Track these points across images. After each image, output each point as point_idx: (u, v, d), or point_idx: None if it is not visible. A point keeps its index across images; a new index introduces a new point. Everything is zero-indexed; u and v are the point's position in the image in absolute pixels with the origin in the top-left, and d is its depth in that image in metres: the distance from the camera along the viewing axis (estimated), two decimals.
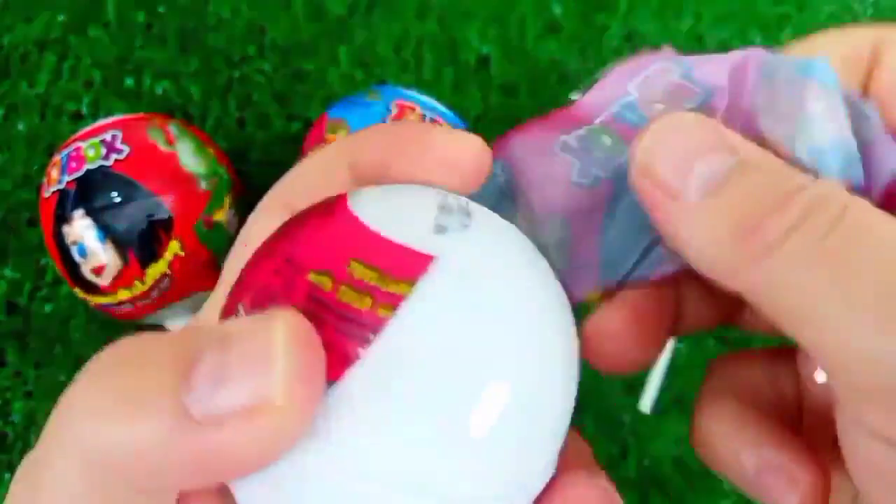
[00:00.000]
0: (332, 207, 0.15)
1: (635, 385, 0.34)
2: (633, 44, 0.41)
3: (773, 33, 0.41)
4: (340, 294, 0.13)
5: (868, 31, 0.15)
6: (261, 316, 0.12)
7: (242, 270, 0.15)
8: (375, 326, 0.13)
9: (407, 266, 0.13)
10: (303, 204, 0.17)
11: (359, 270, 0.13)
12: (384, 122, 0.31)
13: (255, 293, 0.14)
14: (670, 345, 0.33)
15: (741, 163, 0.14)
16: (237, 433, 0.11)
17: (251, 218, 0.18)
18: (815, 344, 0.13)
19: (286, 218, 0.17)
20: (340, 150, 0.18)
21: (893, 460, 0.12)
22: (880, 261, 0.12)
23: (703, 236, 0.14)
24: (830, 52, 0.15)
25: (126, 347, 0.13)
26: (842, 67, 0.15)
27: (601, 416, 0.34)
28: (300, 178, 0.18)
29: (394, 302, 0.13)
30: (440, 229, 0.14)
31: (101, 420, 0.12)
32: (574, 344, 0.15)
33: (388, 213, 0.14)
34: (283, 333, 0.12)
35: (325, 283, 0.13)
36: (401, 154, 0.16)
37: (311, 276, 0.13)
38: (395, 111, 0.31)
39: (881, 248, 0.12)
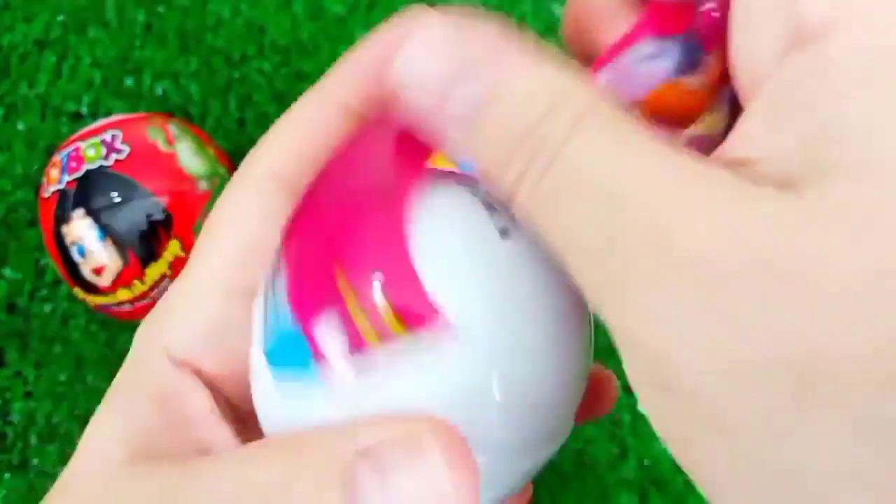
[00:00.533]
0: (394, 207, 0.14)
1: None
2: None
3: None
4: (356, 317, 0.13)
5: None
6: (408, 436, 0.12)
7: (289, 249, 0.15)
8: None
9: (415, 316, 0.13)
10: (296, 177, 0.16)
11: (380, 300, 0.13)
12: None
13: (301, 287, 0.14)
14: None
15: (494, 89, 0.12)
16: None
17: (228, 191, 0.17)
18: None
19: (277, 193, 0.16)
20: (324, 97, 0.17)
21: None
22: (580, 213, 0.11)
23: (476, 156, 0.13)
24: None
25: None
26: None
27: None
28: (285, 141, 0.17)
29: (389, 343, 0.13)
30: (504, 233, 0.14)
31: None
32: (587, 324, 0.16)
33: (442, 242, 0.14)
34: (436, 446, 0.12)
35: (350, 299, 0.13)
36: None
37: (340, 284, 0.13)
38: None
39: (584, 196, 0.11)
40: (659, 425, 0.12)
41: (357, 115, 0.17)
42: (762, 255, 0.10)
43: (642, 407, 0.12)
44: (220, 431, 0.16)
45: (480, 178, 0.13)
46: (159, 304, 0.17)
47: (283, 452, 0.13)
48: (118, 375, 0.17)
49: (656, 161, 0.11)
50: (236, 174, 0.17)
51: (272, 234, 0.16)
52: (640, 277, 0.11)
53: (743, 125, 0.12)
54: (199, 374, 0.16)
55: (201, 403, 0.16)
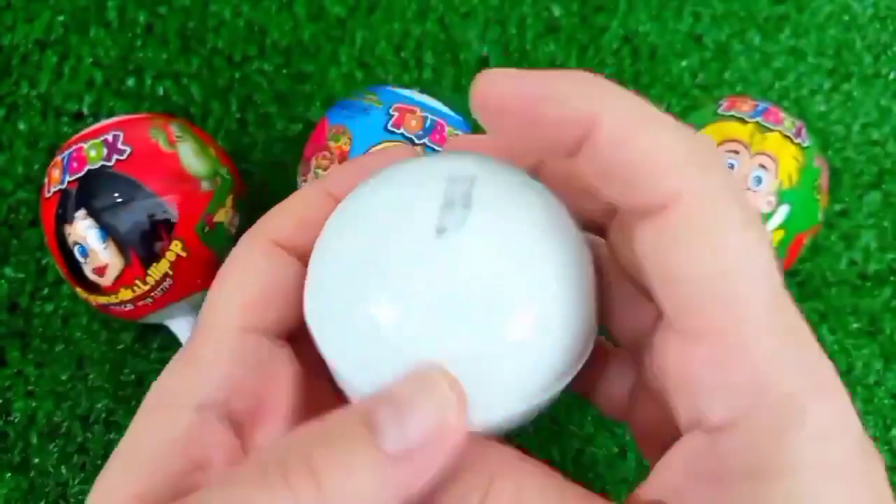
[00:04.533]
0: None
1: None
2: (632, 44, 0.41)
3: (773, 34, 0.41)
4: None
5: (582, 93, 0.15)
6: (418, 378, 0.16)
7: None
8: None
9: None
10: (290, 238, 0.20)
11: None
12: (385, 128, 0.31)
13: None
14: None
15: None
16: (433, 454, 0.15)
17: (234, 251, 0.20)
18: None
19: (273, 255, 0.19)
20: (319, 185, 0.21)
21: None
22: None
23: None
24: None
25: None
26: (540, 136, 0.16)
27: (600, 415, 0.34)
28: (284, 213, 0.21)
29: None
30: (441, 231, 0.16)
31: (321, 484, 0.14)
32: (591, 278, 0.18)
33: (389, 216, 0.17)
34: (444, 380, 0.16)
35: None
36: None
37: None
38: (395, 115, 0.31)
39: None
40: None
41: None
42: None
43: None
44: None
45: None
46: (173, 361, 0.19)
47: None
48: (128, 434, 0.18)
49: None
50: (246, 236, 0.20)
51: (277, 284, 0.19)
52: None
53: (660, 475, 0.16)
54: (224, 416, 0.18)
55: (229, 445, 0.18)
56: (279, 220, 0.20)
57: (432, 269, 0.16)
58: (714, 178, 0.15)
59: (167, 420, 0.17)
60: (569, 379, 0.18)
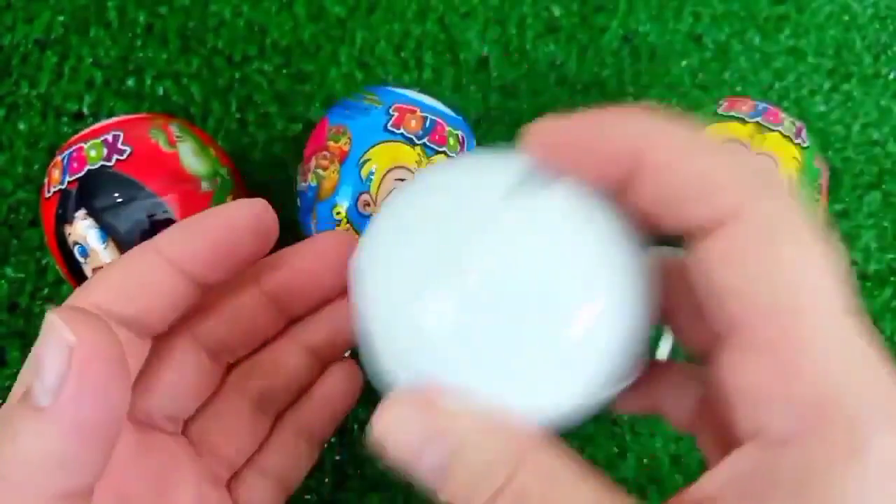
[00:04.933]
0: None
1: None
2: (632, 44, 0.41)
3: (773, 34, 0.42)
4: None
5: (627, 128, 0.16)
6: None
7: None
8: None
9: None
10: (119, 307, 0.19)
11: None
12: (385, 127, 0.31)
13: None
14: (668, 345, 0.33)
15: (454, 453, 0.16)
16: (73, 381, 0.16)
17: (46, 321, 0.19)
18: None
19: (91, 321, 0.18)
20: (150, 246, 0.21)
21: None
22: None
23: None
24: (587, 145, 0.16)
25: None
26: (596, 165, 0.16)
27: (600, 415, 0.34)
28: (112, 277, 0.20)
29: None
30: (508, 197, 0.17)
31: None
32: (645, 277, 0.17)
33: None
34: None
35: None
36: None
37: None
38: (395, 115, 0.31)
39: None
40: None
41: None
42: None
43: None
44: None
45: None
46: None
47: None
48: None
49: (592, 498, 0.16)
50: (68, 301, 0.20)
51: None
52: None
53: (707, 481, 0.16)
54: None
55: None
56: (101, 287, 0.20)
57: (494, 240, 0.16)
58: (774, 194, 0.15)
59: None
60: (627, 382, 0.18)
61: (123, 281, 0.20)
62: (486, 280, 0.16)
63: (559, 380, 0.16)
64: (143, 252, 0.21)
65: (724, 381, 0.16)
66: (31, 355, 0.16)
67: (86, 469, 0.16)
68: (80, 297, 0.20)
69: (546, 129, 0.17)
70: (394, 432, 0.16)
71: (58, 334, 0.15)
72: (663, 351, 0.33)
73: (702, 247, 0.15)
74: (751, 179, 0.15)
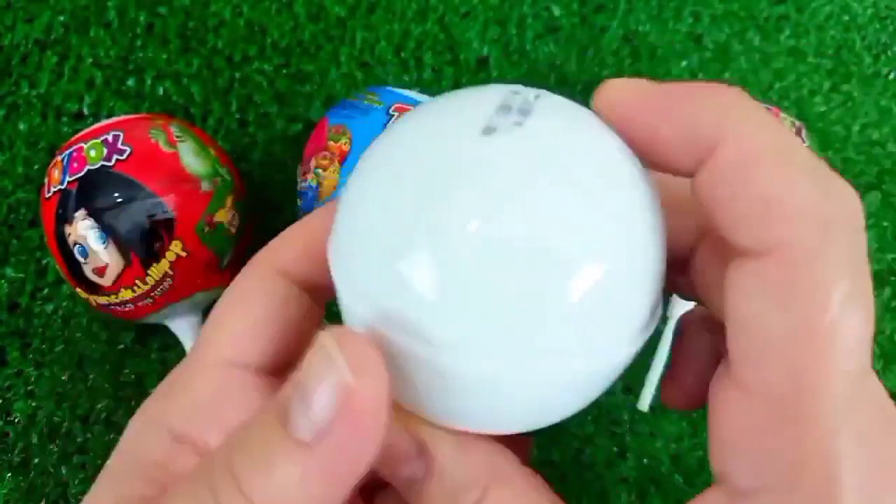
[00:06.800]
0: None
1: (633, 384, 0.34)
2: (632, 44, 0.41)
3: (773, 34, 0.42)
4: None
5: (707, 103, 0.15)
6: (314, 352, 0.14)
7: None
8: None
9: None
10: (293, 267, 0.19)
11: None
12: (385, 127, 0.31)
13: None
14: (668, 344, 0.33)
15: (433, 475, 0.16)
16: (344, 427, 0.13)
17: (235, 280, 0.19)
18: None
19: (278, 284, 0.18)
20: (325, 211, 0.20)
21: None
22: None
23: None
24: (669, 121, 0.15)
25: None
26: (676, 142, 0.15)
27: (600, 415, 0.34)
28: (291, 241, 0.20)
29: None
30: (489, 131, 0.15)
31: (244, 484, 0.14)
32: (659, 222, 0.15)
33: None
34: (330, 341, 0.14)
35: None
36: None
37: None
38: (395, 115, 0.31)
39: None
40: None
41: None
42: None
43: None
44: None
45: None
46: (160, 385, 0.19)
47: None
48: (115, 452, 0.18)
49: None
50: (251, 263, 0.19)
51: (274, 316, 0.18)
52: None
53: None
54: (198, 450, 0.18)
55: None
56: (283, 249, 0.19)
57: (475, 173, 0.14)
58: (832, 237, 0.13)
59: (140, 442, 0.18)
60: (639, 342, 0.15)
61: (307, 242, 0.19)
62: (470, 234, 0.14)
63: (580, 337, 0.14)
64: (321, 218, 0.19)
65: (712, 421, 0.15)
66: (296, 376, 0.14)
67: None
68: (268, 256, 0.19)
69: (623, 88, 0.15)
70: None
71: (334, 369, 0.13)
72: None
73: (737, 268, 0.14)
74: (817, 210, 0.13)
